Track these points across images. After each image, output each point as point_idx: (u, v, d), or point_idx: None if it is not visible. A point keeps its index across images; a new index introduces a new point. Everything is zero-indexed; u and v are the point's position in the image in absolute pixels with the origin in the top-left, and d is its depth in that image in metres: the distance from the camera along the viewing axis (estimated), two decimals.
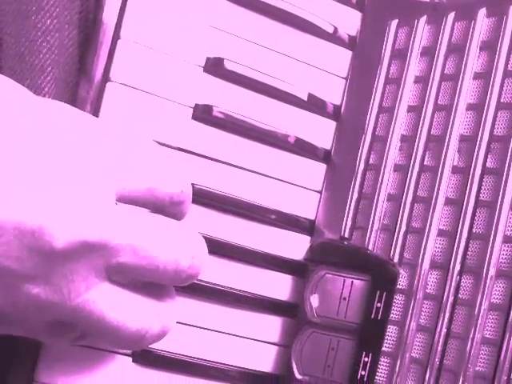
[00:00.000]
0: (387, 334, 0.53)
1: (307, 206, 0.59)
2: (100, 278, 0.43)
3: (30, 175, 0.40)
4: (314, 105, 0.58)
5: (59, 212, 0.40)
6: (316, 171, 0.59)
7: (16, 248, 0.40)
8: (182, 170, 0.48)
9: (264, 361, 0.58)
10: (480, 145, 0.52)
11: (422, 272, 0.52)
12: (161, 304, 0.47)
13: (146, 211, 0.47)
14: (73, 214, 0.41)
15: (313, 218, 0.59)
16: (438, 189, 0.53)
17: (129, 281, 0.46)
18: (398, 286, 0.53)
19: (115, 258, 0.43)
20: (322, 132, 0.59)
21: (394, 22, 0.58)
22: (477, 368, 0.50)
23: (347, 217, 0.57)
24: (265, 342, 0.58)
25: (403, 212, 0.54)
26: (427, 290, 0.52)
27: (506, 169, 0.50)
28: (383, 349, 0.53)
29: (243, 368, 0.57)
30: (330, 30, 0.59)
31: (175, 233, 0.45)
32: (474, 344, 0.50)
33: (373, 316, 0.53)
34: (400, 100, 0.56)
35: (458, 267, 0.51)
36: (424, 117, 0.55)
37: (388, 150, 0.56)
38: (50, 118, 0.43)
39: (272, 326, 0.58)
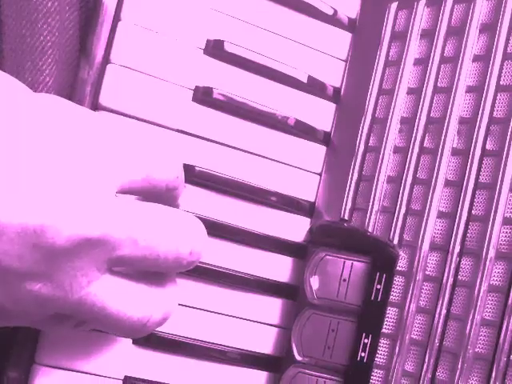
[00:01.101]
0: (387, 315, 0.53)
1: (307, 188, 0.59)
2: (101, 270, 0.43)
3: (29, 174, 0.40)
4: (314, 87, 0.59)
5: (61, 210, 0.40)
6: (316, 153, 0.59)
7: (17, 246, 0.40)
8: (175, 156, 0.48)
9: (264, 342, 0.58)
10: (479, 127, 0.52)
11: (422, 254, 0.53)
12: (162, 291, 0.47)
13: (144, 200, 0.47)
14: (74, 211, 0.41)
15: (313, 199, 0.59)
16: (438, 171, 0.53)
17: (129, 270, 0.46)
18: (397, 268, 0.54)
19: (116, 251, 0.43)
20: (321, 114, 0.59)
21: (394, 5, 0.58)
22: (476, 349, 0.50)
23: (347, 198, 0.57)
24: (265, 323, 0.58)
25: (403, 194, 0.54)
26: (427, 272, 0.53)
27: (505, 151, 0.51)
28: (383, 330, 0.53)
29: (243, 350, 0.57)
30: (330, 12, 0.59)
31: (174, 221, 0.46)
32: (474, 326, 0.50)
33: (373, 297, 0.54)
34: (400, 82, 0.56)
35: (457, 249, 0.51)
36: (424, 99, 0.55)
37: (388, 132, 0.56)
38: (47, 115, 0.42)
39: (272, 307, 0.58)
